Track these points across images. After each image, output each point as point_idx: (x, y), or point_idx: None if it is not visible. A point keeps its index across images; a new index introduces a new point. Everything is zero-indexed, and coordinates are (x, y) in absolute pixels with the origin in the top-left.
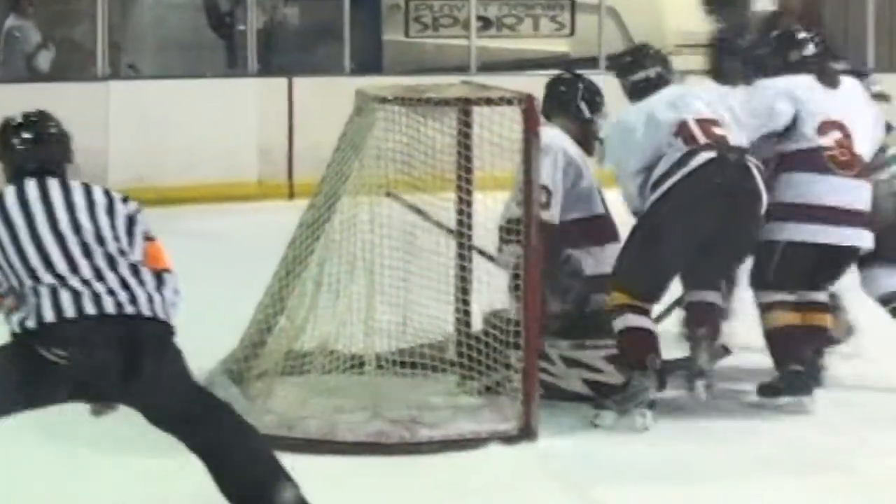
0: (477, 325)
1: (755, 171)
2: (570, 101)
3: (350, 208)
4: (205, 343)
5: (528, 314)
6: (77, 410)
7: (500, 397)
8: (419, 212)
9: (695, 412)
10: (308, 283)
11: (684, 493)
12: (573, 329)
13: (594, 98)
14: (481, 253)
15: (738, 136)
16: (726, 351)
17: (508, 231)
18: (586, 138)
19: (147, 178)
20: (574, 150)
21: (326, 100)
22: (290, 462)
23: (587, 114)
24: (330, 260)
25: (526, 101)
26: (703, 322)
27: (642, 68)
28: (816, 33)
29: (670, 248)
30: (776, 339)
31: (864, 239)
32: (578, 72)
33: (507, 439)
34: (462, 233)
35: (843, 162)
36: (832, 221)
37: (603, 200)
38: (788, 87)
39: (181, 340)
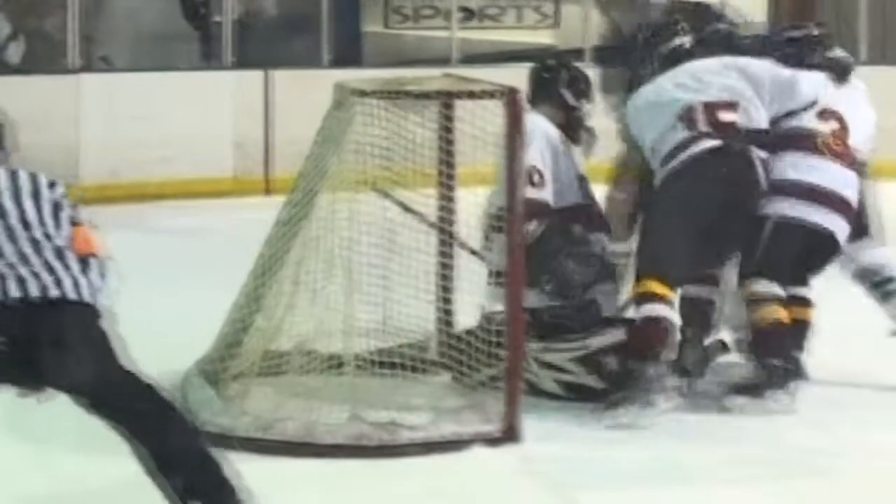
0: (459, 323)
1: (757, 163)
2: (553, 88)
3: (328, 205)
4: (179, 343)
5: (512, 310)
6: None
7: (484, 398)
8: (406, 208)
9: (683, 413)
10: (285, 281)
11: (673, 496)
12: (538, 330)
13: (579, 85)
14: (464, 247)
15: (755, 118)
16: (724, 347)
17: (499, 219)
18: (571, 126)
19: (120, 173)
20: (557, 137)
21: (304, 93)
22: (268, 465)
23: (571, 101)
24: (308, 258)
25: (509, 95)
26: (693, 320)
27: (675, 36)
28: (814, 28)
29: (683, 233)
30: (763, 335)
31: (845, 231)
32: (563, 59)
33: (491, 441)
34: (444, 229)
35: (837, 151)
36: (826, 205)
37: (589, 190)
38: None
39: (155, 341)
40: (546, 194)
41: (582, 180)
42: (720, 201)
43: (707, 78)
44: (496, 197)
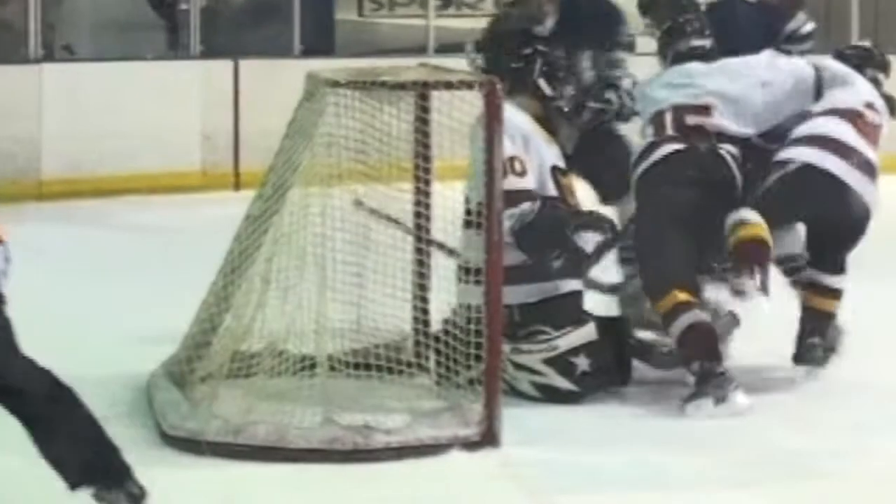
0: (436, 322)
1: (729, 159)
2: (527, 77)
3: (300, 200)
4: (145, 344)
5: (490, 310)
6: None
7: (462, 400)
8: (390, 220)
9: (670, 416)
10: (255, 279)
11: (656, 502)
12: (507, 329)
13: (556, 73)
14: (442, 248)
15: (733, 122)
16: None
17: (478, 214)
18: (548, 117)
19: (83, 167)
20: (526, 126)
21: (274, 83)
22: (238, 471)
23: (548, 90)
24: (279, 255)
25: (488, 85)
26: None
27: (695, 36)
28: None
29: (675, 241)
30: (810, 316)
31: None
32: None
33: (469, 445)
34: (420, 225)
35: (871, 137)
36: (849, 160)
37: (561, 183)
38: None
39: (119, 341)
40: (529, 182)
41: (557, 173)
42: (697, 202)
43: (695, 80)
44: (473, 192)
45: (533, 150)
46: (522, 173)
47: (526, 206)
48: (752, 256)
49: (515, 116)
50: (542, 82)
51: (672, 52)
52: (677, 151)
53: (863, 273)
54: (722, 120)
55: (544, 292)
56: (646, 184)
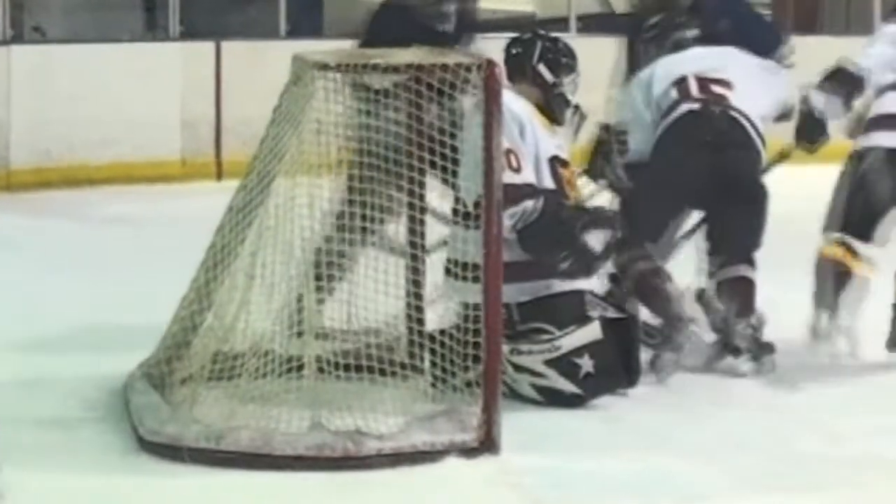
0: (431, 321)
1: (744, 121)
2: (526, 63)
3: (287, 190)
4: (122, 343)
5: (489, 309)
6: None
7: (459, 404)
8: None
9: (679, 420)
10: (239, 275)
11: None
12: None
13: (558, 59)
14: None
15: (747, 100)
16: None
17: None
18: (549, 105)
19: (55, 155)
20: (524, 114)
21: (259, 67)
22: (220, 479)
23: (549, 77)
24: (264, 249)
25: (486, 68)
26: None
27: (687, 27)
28: None
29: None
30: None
31: None
32: (542, 31)
33: (467, 452)
34: (414, 217)
35: None
36: None
37: (560, 175)
38: None
39: (95, 341)
40: (528, 175)
41: (557, 164)
42: (711, 165)
43: (713, 57)
44: (468, 183)
45: (529, 138)
46: (518, 168)
47: (529, 203)
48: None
49: (513, 102)
50: (542, 68)
51: (673, 41)
52: (691, 112)
53: None
54: (738, 95)
55: (541, 290)
56: (662, 142)
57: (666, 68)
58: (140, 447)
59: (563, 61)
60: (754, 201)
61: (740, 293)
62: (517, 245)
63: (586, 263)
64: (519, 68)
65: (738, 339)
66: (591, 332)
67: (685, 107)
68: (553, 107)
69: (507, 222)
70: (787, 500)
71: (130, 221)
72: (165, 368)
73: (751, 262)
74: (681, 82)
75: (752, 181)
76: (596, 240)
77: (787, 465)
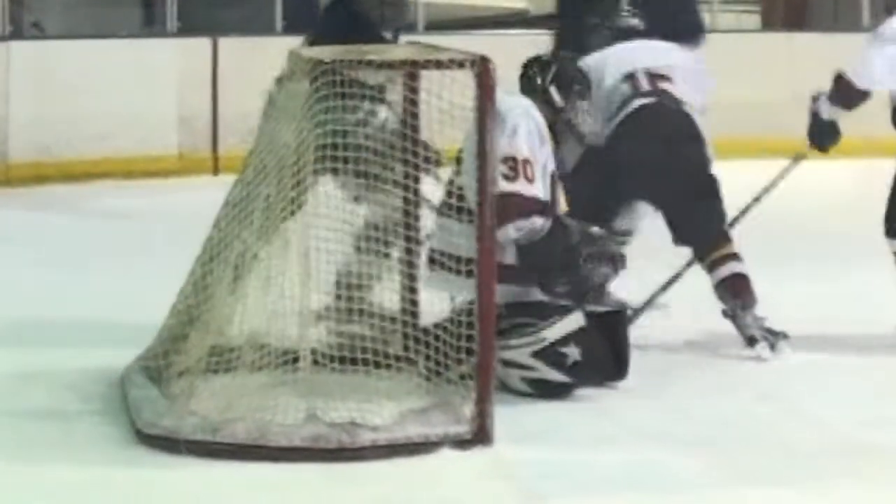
0: (426, 315)
1: (693, 115)
2: (539, 83)
3: (283, 185)
4: (119, 336)
5: (483, 302)
6: None
7: (453, 397)
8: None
9: (670, 413)
10: (235, 269)
11: None
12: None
13: (571, 83)
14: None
15: (687, 94)
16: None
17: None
18: (553, 126)
19: (53, 150)
20: (545, 127)
21: (255, 62)
22: (217, 470)
23: (557, 100)
24: (260, 243)
25: (480, 65)
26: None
27: (622, 19)
28: None
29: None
30: None
31: None
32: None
33: (460, 444)
34: (408, 212)
35: None
36: None
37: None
38: None
39: (92, 333)
40: (539, 190)
41: (555, 181)
42: (662, 158)
43: (657, 50)
44: (466, 178)
45: (544, 150)
46: (532, 179)
47: (538, 221)
48: None
49: (532, 110)
50: (552, 90)
51: (602, 38)
52: (647, 107)
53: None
54: (682, 88)
55: (527, 296)
56: (617, 136)
57: (616, 63)
58: (137, 439)
59: (576, 87)
60: (710, 192)
61: (739, 288)
62: (511, 251)
63: (580, 292)
64: (531, 86)
65: (751, 330)
66: (575, 320)
67: (638, 102)
68: (556, 128)
69: (513, 234)
70: (778, 492)
71: (128, 215)
72: (162, 361)
73: (738, 258)
74: (631, 77)
75: (706, 173)
76: (597, 273)
77: (777, 456)
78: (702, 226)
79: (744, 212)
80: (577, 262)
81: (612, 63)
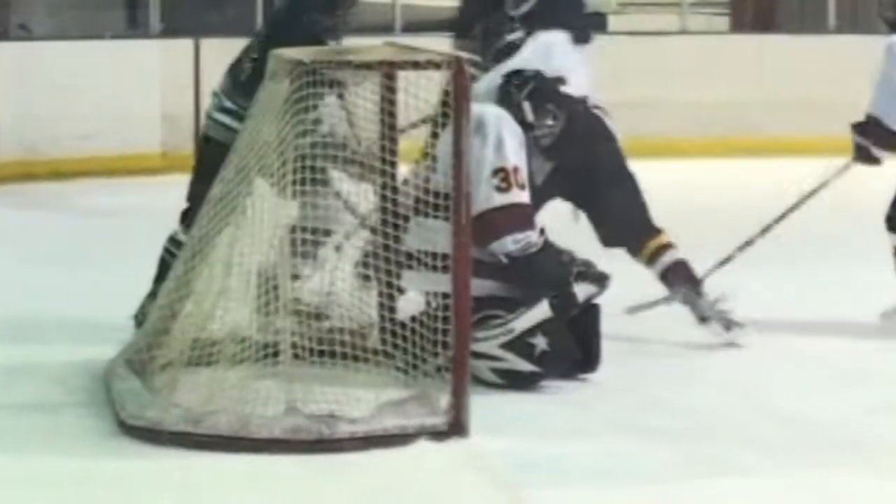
0: (404, 309)
1: (601, 115)
2: (515, 96)
3: (263, 182)
4: (103, 330)
5: (458, 296)
6: None
7: (429, 389)
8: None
9: (642, 406)
10: (217, 264)
11: (628, 495)
12: None
13: (544, 104)
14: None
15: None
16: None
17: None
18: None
19: (39, 149)
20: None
21: None
22: (199, 461)
23: (529, 116)
24: (241, 239)
25: (455, 65)
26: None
27: (510, 32)
28: None
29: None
30: None
31: None
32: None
33: (436, 435)
34: (385, 208)
35: None
36: None
37: None
38: None
39: (77, 328)
40: (528, 197)
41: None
42: (580, 158)
43: (542, 59)
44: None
45: (523, 155)
46: (523, 186)
47: (533, 237)
48: None
49: (513, 123)
50: (526, 106)
51: (493, 52)
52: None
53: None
54: (577, 90)
55: (499, 292)
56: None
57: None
58: (121, 431)
59: (548, 107)
60: (631, 188)
61: (685, 273)
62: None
63: (565, 308)
64: (507, 97)
65: (706, 311)
66: (541, 311)
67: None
68: (527, 144)
69: (511, 247)
70: (748, 481)
71: (113, 212)
72: (146, 355)
73: (673, 245)
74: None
75: (624, 170)
76: (582, 292)
77: (747, 447)
78: (628, 223)
79: (780, 218)
80: (567, 280)
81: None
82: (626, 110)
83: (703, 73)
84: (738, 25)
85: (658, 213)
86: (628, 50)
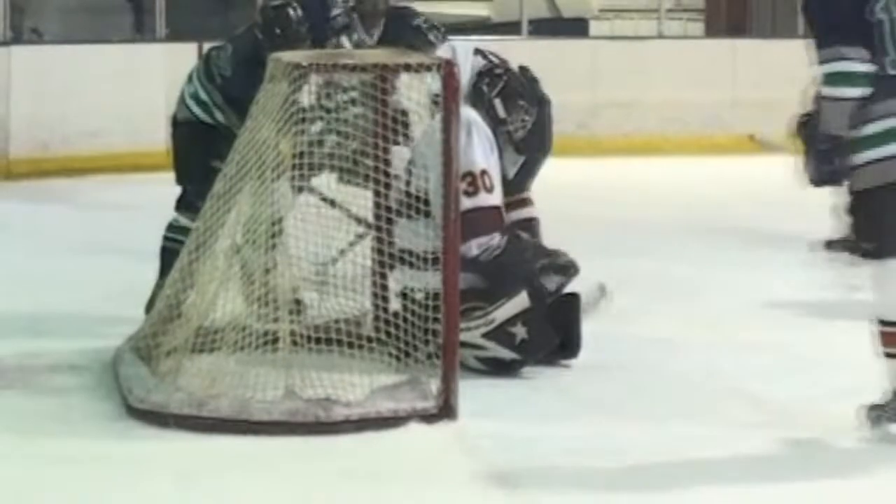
0: (395, 299)
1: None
2: (486, 93)
3: (262, 178)
4: (111, 318)
5: (447, 285)
6: None
7: (421, 375)
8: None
9: (624, 392)
10: (219, 256)
11: (617, 480)
12: None
13: (515, 99)
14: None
15: None
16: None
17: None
18: (496, 138)
19: (50, 147)
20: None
21: None
22: (201, 443)
23: (500, 112)
24: (242, 232)
25: (445, 67)
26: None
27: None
28: None
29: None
30: None
31: None
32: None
33: (427, 418)
34: (379, 204)
35: None
36: None
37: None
38: None
39: (86, 316)
40: (498, 197)
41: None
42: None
43: None
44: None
45: (494, 157)
46: (492, 189)
47: (496, 238)
48: None
49: (483, 125)
50: (497, 102)
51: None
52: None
53: None
54: None
55: (478, 284)
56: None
57: None
58: (128, 414)
59: (520, 103)
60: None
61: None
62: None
63: (539, 299)
64: (479, 95)
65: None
66: (520, 302)
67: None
68: (498, 141)
69: (475, 251)
70: (730, 465)
71: (119, 207)
72: (152, 342)
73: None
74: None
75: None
76: (551, 282)
77: (725, 429)
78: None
79: None
80: (533, 275)
81: None
82: (607, 110)
83: (678, 76)
84: (713, 31)
85: (637, 203)
86: (608, 53)
